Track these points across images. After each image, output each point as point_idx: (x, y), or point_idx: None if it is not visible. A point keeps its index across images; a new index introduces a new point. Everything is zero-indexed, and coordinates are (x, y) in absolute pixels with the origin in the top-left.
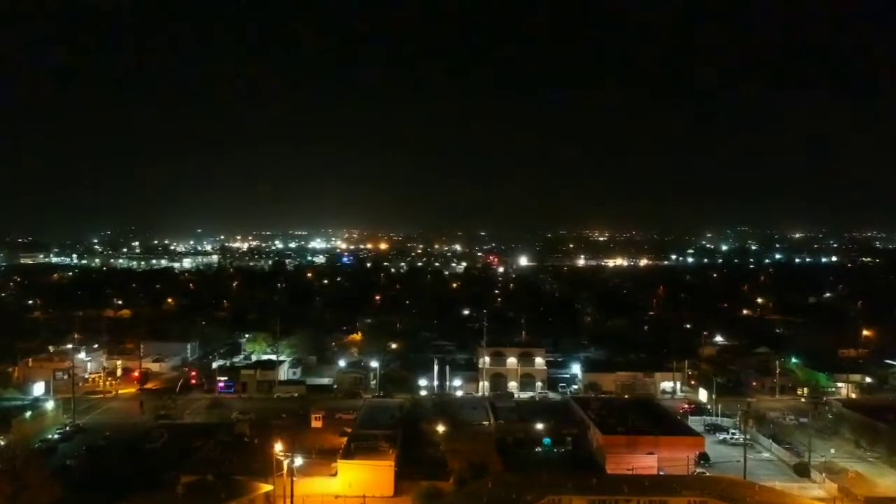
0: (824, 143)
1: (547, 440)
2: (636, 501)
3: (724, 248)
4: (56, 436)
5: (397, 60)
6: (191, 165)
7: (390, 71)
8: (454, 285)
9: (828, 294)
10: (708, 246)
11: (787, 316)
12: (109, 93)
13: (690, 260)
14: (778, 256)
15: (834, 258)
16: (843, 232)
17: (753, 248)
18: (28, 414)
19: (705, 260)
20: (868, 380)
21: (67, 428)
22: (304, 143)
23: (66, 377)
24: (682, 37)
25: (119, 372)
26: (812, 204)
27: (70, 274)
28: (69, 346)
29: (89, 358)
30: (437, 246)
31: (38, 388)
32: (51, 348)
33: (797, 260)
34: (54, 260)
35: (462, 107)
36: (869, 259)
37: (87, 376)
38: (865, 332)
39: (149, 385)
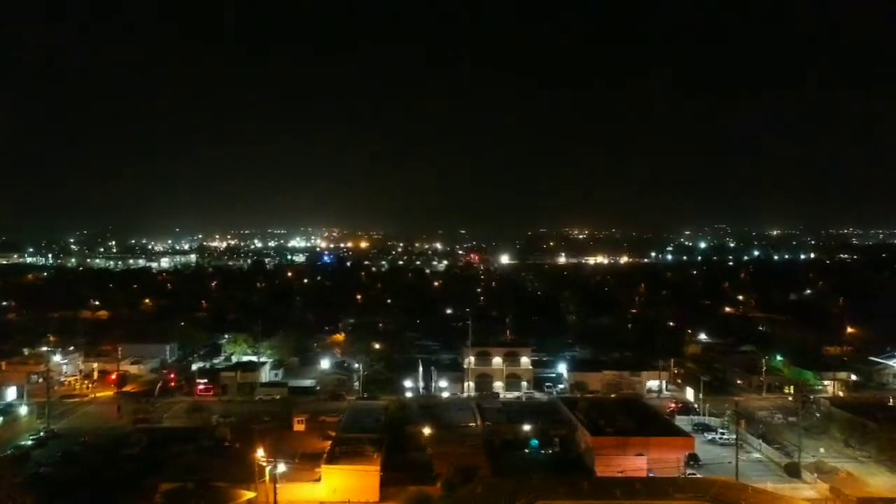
0: (801, 142)
1: (534, 441)
2: None
3: (703, 245)
4: (29, 442)
5: (372, 57)
6: (168, 164)
7: (367, 68)
8: (436, 284)
9: (808, 291)
10: (686, 243)
11: (770, 313)
12: (85, 90)
13: (670, 257)
14: (756, 253)
15: (812, 255)
16: (820, 229)
17: (731, 245)
18: (0, 419)
19: (684, 257)
20: (854, 377)
21: (42, 433)
22: (281, 142)
23: (40, 380)
24: (661, 37)
25: (96, 375)
26: (788, 202)
27: (45, 274)
28: (44, 348)
29: (65, 360)
30: (417, 244)
31: (11, 393)
32: (25, 351)
33: (776, 257)
34: (29, 260)
35: (439, 105)
36: (846, 255)
37: (62, 379)
38: (849, 330)
39: (126, 388)
